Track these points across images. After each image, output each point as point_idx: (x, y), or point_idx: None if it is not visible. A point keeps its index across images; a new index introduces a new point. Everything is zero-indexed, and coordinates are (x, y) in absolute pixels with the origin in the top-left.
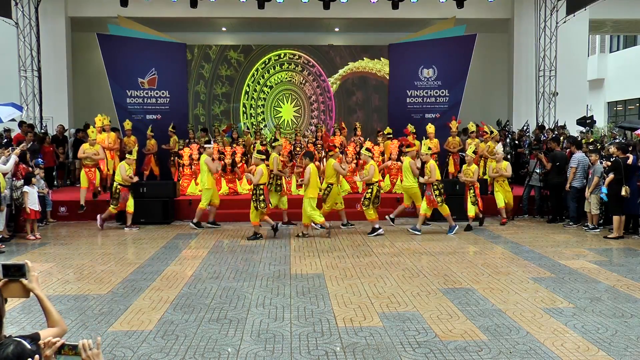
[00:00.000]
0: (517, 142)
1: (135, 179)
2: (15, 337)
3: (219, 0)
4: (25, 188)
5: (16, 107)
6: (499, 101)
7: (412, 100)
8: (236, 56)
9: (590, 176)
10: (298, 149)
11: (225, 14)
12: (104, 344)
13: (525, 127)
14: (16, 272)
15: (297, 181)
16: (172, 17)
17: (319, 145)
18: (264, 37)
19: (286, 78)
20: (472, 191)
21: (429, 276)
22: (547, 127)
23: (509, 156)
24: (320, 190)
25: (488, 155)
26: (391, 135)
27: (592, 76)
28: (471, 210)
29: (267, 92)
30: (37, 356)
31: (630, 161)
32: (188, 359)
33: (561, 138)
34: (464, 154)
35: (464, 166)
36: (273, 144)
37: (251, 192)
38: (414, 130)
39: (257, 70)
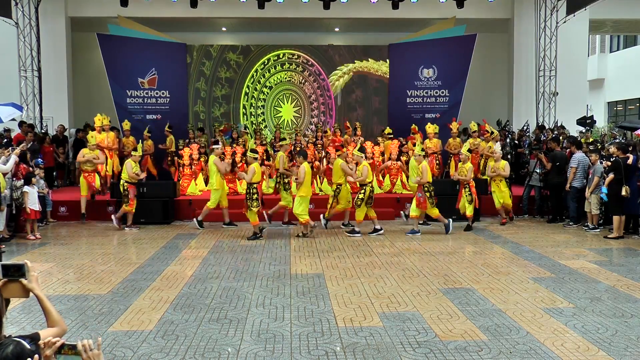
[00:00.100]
0: (517, 142)
1: (143, 175)
2: (15, 337)
3: (219, 0)
4: (26, 188)
5: (16, 107)
6: (499, 101)
7: (412, 100)
8: (235, 58)
9: (590, 176)
10: (298, 148)
11: (225, 14)
12: (104, 344)
13: (525, 127)
14: (16, 272)
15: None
16: (172, 17)
17: (319, 145)
18: (264, 37)
19: (286, 78)
20: (467, 189)
21: (429, 276)
22: (547, 127)
23: (509, 156)
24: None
25: (489, 154)
26: (392, 136)
27: (592, 76)
28: (469, 210)
29: (267, 92)
30: (36, 356)
31: (630, 161)
32: (188, 359)
33: (561, 138)
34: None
35: (459, 164)
36: (280, 143)
37: (245, 191)
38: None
39: (256, 71)
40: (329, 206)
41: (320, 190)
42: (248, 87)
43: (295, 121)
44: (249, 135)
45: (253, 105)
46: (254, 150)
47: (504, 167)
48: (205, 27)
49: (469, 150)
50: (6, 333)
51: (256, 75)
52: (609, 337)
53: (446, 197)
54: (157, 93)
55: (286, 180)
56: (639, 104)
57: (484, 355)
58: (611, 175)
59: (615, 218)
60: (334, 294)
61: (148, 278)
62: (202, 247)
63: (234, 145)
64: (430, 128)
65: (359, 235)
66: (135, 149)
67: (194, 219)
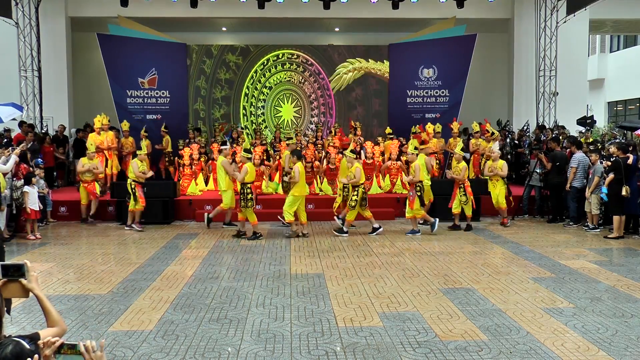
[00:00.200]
0: (517, 142)
1: (150, 174)
2: (15, 336)
3: (219, 0)
4: (26, 188)
5: (16, 107)
6: (499, 101)
7: (412, 100)
8: (234, 59)
9: (590, 176)
10: (298, 148)
11: (225, 14)
12: (104, 344)
13: (525, 127)
14: (15, 272)
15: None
16: (172, 17)
17: (319, 145)
18: (264, 37)
19: (285, 78)
20: (461, 189)
21: (429, 276)
22: (547, 127)
23: (508, 156)
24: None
25: (490, 154)
26: (392, 136)
27: (592, 76)
28: (467, 210)
29: (267, 93)
30: (36, 356)
31: (630, 161)
32: (188, 358)
33: (560, 138)
34: (466, 155)
35: (454, 163)
36: (287, 142)
37: (238, 191)
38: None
39: (255, 71)
40: (336, 205)
41: (320, 190)
42: (248, 87)
43: (295, 121)
44: (249, 136)
45: (253, 104)
46: (247, 150)
47: (502, 166)
48: (205, 27)
49: (462, 150)
50: (6, 333)
51: (256, 76)
52: (609, 337)
53: (446, 197)
54: (157, 93)
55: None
56: (639, 104)
57: (484, 355)
58: (611, 175)
59: (615, 218)
60: (334, 294)
61: (148, 278)
62: (202, 247)
63: (234, 145)
64: (431, 128)
65: (346, 235)
66: (139, 148)
67: (206, 215)
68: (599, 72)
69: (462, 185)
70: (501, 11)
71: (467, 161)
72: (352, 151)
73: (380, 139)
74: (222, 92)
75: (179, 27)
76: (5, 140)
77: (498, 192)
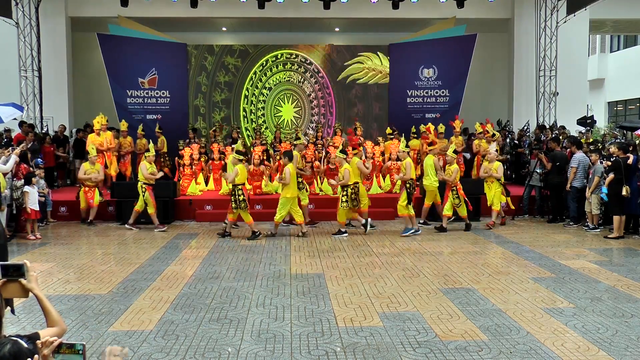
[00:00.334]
0: (517, 142)
1: (159, 175)
2: (13, 336)
3: (219, 0)
4: (26, 188)
5: (17, 108)
6: (499, 101)
7: (412, 100)
8: (233, 61)
9: (590, 176)
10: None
11: (225, 14)
12: (104, 344)
13: (525, 127)
14: (15, 272)
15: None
16: (172, 17)
17: (319, 145)
18: (264, 37)
19: (284, 78)
20: (454, 192)
21: (429, 276)
22: (547, 127)
23: (508, 156)
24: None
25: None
26: (392, 136)
27: (593, 76)
28: (462, 211)
29: (267, 94)
30: (36, 356)
31: (630, 161)
32: (188, 358)
33: (560, 138)
34: (467, 155)
35: (447, 166)
36: (295, 142)
37: (230, 192)
38: (413, 130)
39: (255, 73)
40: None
41: (321, 190)
42: (247, 89)
43: (295, 121)
44: (246, 136)
45: (254, 102)
46: (239, 152)
47: (497, 168)
48: (205, 27)
49: (455, 152)
50: (6, 333)
51: (255, 78)
52: (609, 337)
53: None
54: (157, 93)
55: (300, 179)
56: (639, 104)
57: (484, 355)
58: (611, 175)
59: (616, 218)
60: (334, 294)
61: (148, 278)
62: (202, 247)
63: (234, 145)
64: (431, 128)
65: (345, 235)
66: (148, 150)
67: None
68: (599, 72)
69: (454, 188)
70: (501, 11)
71: (469, 161)
72: (341, 151)
73: (380, 139)
74: (222, 95)
75: (179, 27)
76: (5, 140)
77: (493, 194)
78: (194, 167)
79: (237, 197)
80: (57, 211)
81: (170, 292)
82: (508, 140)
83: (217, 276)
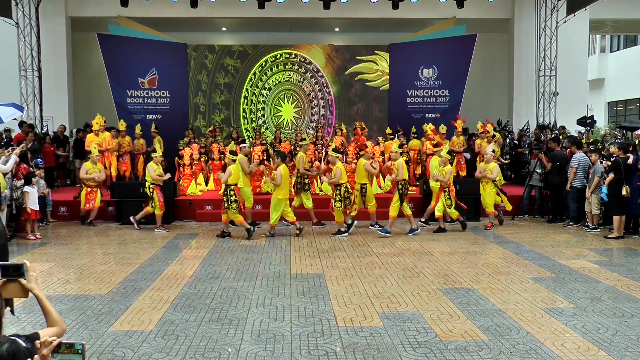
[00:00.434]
0: (517, 142)
1: (167, 176)
2: (12, 335)
3: (219, 0)
4: (26, 188)
5: (17, 108)
6: (499, 101)
7: (412, 100)
8: (233, 62)
9: (590, 176)
10: (298, 148)
11: (225, 14)
12: (104, 344)
13: (525, 127)
14: (14, 272)
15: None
16: (172, 17)
17: (319, 145)
18: (264, 38)
19: (284, 78)
20: (446, 193)
21: (429, 276)
22: (547, 127)
23: (508, 156)
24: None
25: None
26: (392, 136)
27: (593, 76)
28: (453, 213)
29: (266, 94)
30: (36, 356)
31: (630, 161)
32: (188, 358)
33: (560, 138)
34: (467, 155)
35: (440, 167)
36: (300, 143)
37: (222, 193)
38: (414, 130)
39: (254, 73)
40: (354, 212)
41: (321, 190)
42: (247, 90)
43: (295, 121)
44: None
45: (253, 102)
46: (233, 152)
47: (492, 169)
48: (205, 27)
49: (451, 152)
50: (6, 333)
51: (254, 78)
52: (609, 337)
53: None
54: (157, 93)
55: (306, 181)
56: (639, 104)
57: (484, 355)
58: (611, 175)
59: (616, 218)
60: (334, 294)
61: (148, 278)
62: (202, 247)
63: (242, 145)
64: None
65: (345, 234)
66: (154, 150)
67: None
68: (599, 72)
69: (447, 189)
70: (501, 11)
71: (470, 161)
72: (334, 150)
73: (380, 139)
74: (222, 97)
75: (179, 27)
76: (5, 140)
77: (487, 195)
78: (194, 167)
79: (229, 197)
80: (57, 211)
81: (170, 292)
82: (508, 140)
83: (217, 276)
